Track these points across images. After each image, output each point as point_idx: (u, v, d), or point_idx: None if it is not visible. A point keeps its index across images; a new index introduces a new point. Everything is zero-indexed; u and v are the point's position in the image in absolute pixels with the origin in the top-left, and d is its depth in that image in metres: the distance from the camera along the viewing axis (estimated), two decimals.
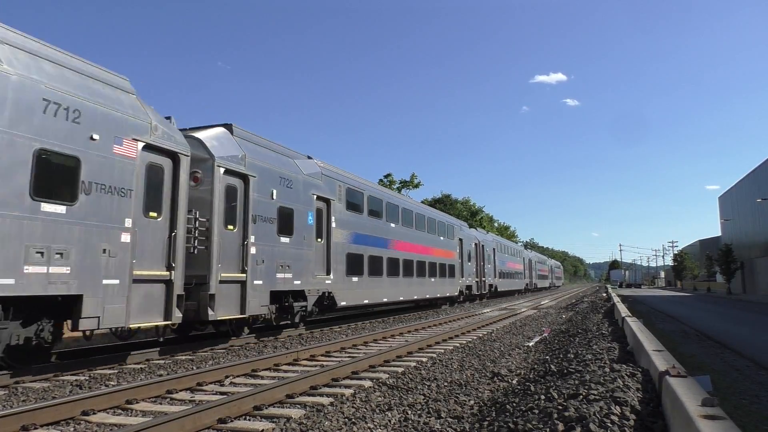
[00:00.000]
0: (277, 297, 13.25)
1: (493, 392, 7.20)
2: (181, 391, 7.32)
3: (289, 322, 14.15)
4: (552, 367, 8.04)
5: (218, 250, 11.14)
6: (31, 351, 8.24)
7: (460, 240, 30.92)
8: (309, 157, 16.06)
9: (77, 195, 8.11)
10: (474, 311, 25.11)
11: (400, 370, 8.88)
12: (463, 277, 30.78)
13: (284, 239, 13.48)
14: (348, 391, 7.16)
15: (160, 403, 6.72)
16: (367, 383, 7.75)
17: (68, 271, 7.81)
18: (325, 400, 6.64)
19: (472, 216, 70.31)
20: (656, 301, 41.88)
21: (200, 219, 10.75)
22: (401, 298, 21.70)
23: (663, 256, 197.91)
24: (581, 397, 5.05)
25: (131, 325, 9.02)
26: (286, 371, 9.08)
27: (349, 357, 10.49)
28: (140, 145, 9.24)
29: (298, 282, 14.00)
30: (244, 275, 11.88)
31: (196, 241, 10.55)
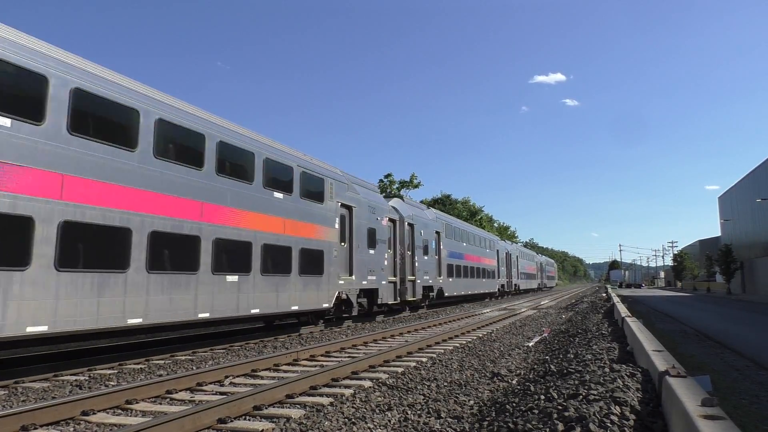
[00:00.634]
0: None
1: (492, 392, 7.20)
2: (180, 391, 7.32)
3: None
4: (552, 367, 8.04)
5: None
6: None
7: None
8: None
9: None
10: (474, 311, 25.12)
11: (399, 370, 8.88)
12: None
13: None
14: (348, 391, 7.16)
15: (160, 403, 6.72)
16: (367, 383, 7.75)
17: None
18: (324, 400, 6.64)
19: (472, 216, 70.29)
20: (656, 301, 41.88)
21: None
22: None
23: (663, 257, 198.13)
24: (581, 397, 5.05)
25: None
26: (286, 371, 9.08)
27: (348, 357, 10.49)
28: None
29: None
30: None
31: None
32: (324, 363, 9.87)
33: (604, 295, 39.40)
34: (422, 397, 6.91)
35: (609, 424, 4.05)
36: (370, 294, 18.73)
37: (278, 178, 13.77)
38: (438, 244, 27.59)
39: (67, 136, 8.42)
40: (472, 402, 6.62)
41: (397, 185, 57.93)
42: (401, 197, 26.70)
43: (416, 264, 23.35)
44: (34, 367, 8.99)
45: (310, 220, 14.95)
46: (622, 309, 17.29)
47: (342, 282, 16.49)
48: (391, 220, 21.20)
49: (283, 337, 14.36)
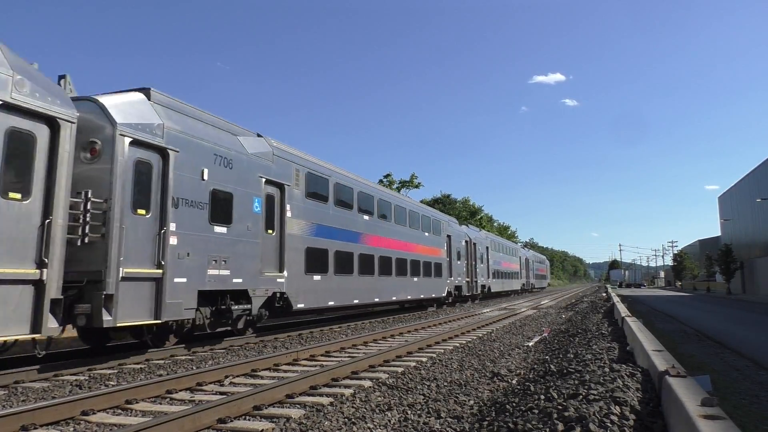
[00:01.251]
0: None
1: (492, 392, 7.20)
2: (180, 391, 7.32)
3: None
4: (552, 367, 8.04)
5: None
6: None
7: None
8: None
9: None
10: (474, 311, 25.13)
11: (399, 370, 8.88)
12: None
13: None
14: (348, 391, 7.16)
15: (160, 403, 6.72)
16: (367, 383, 7.75)
17: None
18: (324, 400, 6.63)
19: (472, 216, 70.33)
20: (656, 301, 41.89)
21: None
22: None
23: (663, 256, 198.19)
24: (581, 397, 5.05)
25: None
26: (285, 371, 9.08)
27: (348, 357, 10.49)
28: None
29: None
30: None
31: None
32: (324, 363, 9.88)
33: (604, 294, 39.41)
34: (422, 397, 6.91)
35: (609, 424, 4.05)
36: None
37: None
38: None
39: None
40: (472, 402, 6.62)
41: (397, 185, 57.93)
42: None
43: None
44: (34, 367, 8.98)
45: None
46: (622, 309, 17.30)
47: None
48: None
49: (283, 336, 14.37)
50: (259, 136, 13.91)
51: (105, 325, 8.66)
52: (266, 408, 6.26)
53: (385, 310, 25.54)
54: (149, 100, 10.38)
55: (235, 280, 11.79)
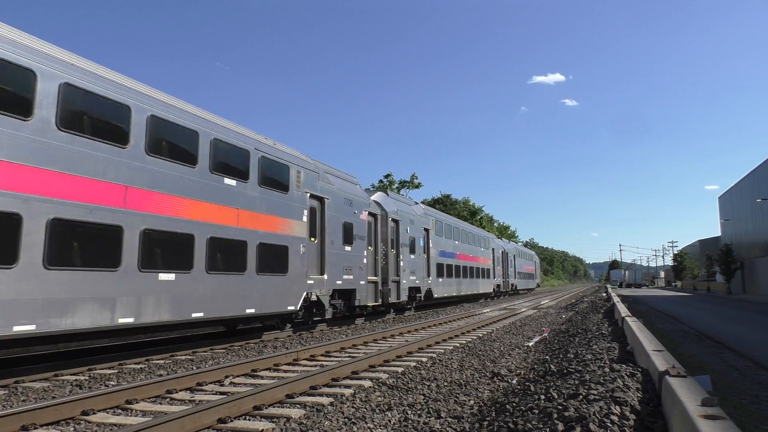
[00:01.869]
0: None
1: (493, 392, 7.20)
2: (180, 390, 7.32)
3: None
4: (552, 367, 8.04)
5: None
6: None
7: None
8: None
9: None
10: (474, 311, 25.12)
11: (399, 370, 8.88)
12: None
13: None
14: (348, 391, 7.16)
15: (160, 403, 6.72)
16: (367, 383, 7.75)
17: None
18: (325, 400, 6.63)
19: (472, 216, 70.33)
20: (656, 301, 41.89)
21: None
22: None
23: (663, 256, 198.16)
24: (581, 397, 5.05)
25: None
26: (286, 371, 9.08)
27: (348, 357, 10.49)
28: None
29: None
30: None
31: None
32: (324, 363, 9.88)
33: (604, 295, 39.41)
34: (422, 397, 6.91)
35: (609, 424, 4.05)
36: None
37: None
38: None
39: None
40: (472, 402, 6.62)
41: (397, 185, 57.94)
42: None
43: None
44: (34, 367, 8.99)
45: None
46: (622, 309, 17.29)
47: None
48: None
49: (283, 336, 14.37)
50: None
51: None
52: (266, 408, 6.26)
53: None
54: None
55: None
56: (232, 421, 5.70)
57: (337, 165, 18.22)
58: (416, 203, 26.72)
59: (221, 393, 7.23)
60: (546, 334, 14.54)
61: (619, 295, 37.13)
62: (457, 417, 5.86)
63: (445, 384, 7.72)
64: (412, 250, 23.01)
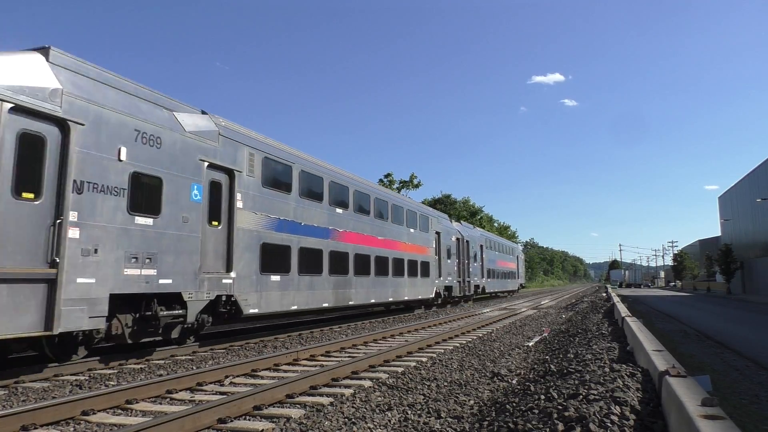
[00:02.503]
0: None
1: (493, 392, 7.20)
2: (180, 391, 7.32)
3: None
4: (552, 366, 8.04)
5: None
6: None
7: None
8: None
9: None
10: (474, 311, 25.12)
11: (399, 370, 8.88)
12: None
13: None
14: (348, 391, 7.16)
15: (160, 403, 6.72)
16: (367, 383, 7.75)
17: None
18: (325, 400, 6.63)
19: (472, 216, 70.35)
20: (656, 301, 41.89)
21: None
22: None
23: (663, 256, 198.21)
24: (581, 397, 5.05)
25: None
26: (286, 371, 9.08)
27: (348, 357, 10.49)
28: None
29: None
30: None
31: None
32: (324, 363, 9.88)
33: (604, 295, 39.42)
34: (422, 397, 6.91)
35: (609, 424, 4.05)
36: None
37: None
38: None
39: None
40: (472, 402, 6.62)
41: (397, 185, 57.92)
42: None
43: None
44: (34, 367, 8.98)
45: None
46: (622, 309, 17.29)
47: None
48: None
49: (283, 336, 14.37)
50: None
51: None
52: (266, 408, 6.26)
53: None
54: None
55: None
56: (232, 421, 5.70)
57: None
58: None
59: (221, 393, 7.23)
60: (546, 334, 14.55)
61: (619, 295, 37.13)
62: (457, 417, 5.86)
63: (445, 384, 7.72)
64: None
